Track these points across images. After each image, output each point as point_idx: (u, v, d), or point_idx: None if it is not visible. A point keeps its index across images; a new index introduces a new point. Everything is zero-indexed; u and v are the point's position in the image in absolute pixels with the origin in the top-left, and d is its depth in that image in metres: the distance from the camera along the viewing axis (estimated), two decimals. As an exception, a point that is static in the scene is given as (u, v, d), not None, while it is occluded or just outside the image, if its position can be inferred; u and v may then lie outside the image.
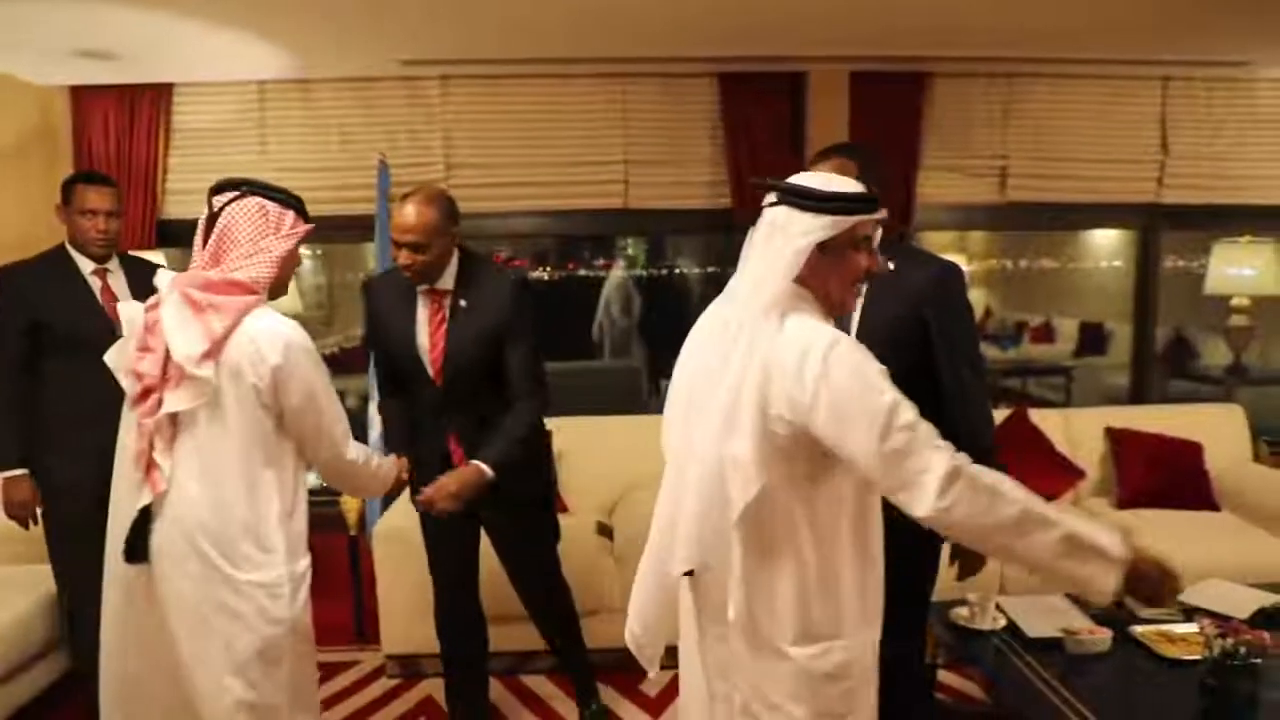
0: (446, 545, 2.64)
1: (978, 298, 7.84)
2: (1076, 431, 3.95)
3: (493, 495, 2.44)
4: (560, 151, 4.35)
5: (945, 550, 2.26)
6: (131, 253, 3.12)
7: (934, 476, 1.40)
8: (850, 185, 1.58)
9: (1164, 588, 1.52)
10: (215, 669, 1.87)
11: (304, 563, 1.98)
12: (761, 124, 4.25)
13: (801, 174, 1.62)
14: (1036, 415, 3.99)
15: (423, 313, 2.47)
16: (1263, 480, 3.71)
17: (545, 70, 4.23)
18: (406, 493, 2.64)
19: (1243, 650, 2.09)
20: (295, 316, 2.01)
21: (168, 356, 1.83)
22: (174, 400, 1.83)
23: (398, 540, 3.10)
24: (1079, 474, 3.82)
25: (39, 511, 2.74)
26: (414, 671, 3.27)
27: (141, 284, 2.86)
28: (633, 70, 4.26)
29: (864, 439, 1.42)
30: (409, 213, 2.32)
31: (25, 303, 2.69)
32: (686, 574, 1.62)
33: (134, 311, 1.95)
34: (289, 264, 1.99)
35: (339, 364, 6.00)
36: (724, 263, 7.63)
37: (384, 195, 3.99)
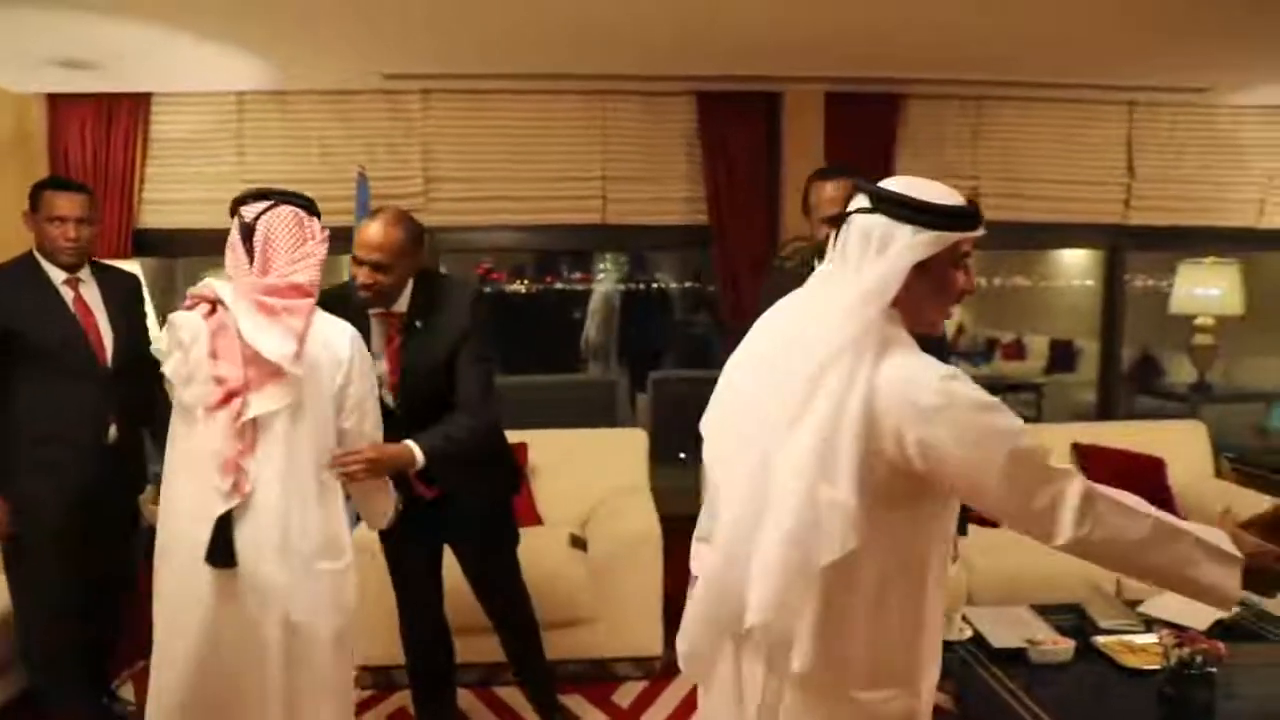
0: (409, 560, 2.62)
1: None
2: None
3: (453, 506, 2.47)
4: (539, 167, 4.38)
5: None
6: (106, 261, 3.05)
7: (1070, 505, 1.31)
8: (951, 196, 1.42)
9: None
10: (307, 655, 1.98)
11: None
12: (738, 142, 4.31)
13: (897, 179, 1.46)
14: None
15: (377, 337, 2.41)
16: (1224, 495, 3.79)
17: (525, 86, 4.27)
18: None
19: (1199, 660, 2.15)
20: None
21: (245, 361, 1.93)
22: (260, 402, 1.93)
23: (367, 552, 3.09)
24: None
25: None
26: (387, 683, 3.26)
27: (116, 293, 2.85)
28: (612, 88, 4.31)
29: (993, 474, 1.32)
30: (375, 230, 2.29)
31: None
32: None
33: (189, 320, 1.99)
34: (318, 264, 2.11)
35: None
36: (703, 279, 7.73)
37: (363, 208, 3.99)
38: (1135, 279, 6.60)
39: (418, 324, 2.39)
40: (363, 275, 2.29)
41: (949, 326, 2.49)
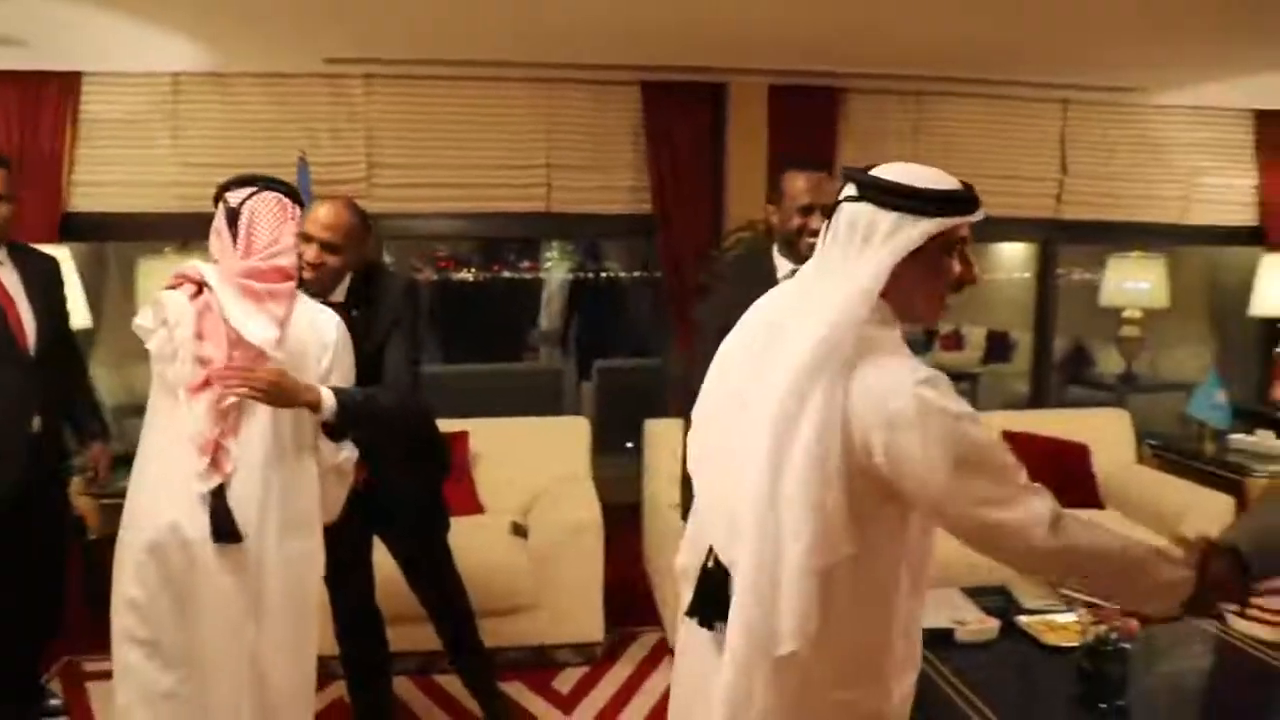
0: (339, 549, 2.58)
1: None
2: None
3: (383, 494, 2.45)
4: (483, 154, 4.35)
5: None
6: (30, 245, 2.92)
7: (1039, 520, 1.28)
8: (943, 180, 1.34)
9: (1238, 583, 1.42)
10: (276, 631, 2.02)
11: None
12: (683, 132, 4.33)
13: (889, 165, 1.37)
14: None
15: None
16: (1144, 480, 3.96)
17: (470, 73, 4.24)
18: None
19: (1114, 636, 2.25)
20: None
21: (230, 344, 1.96)
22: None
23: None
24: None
25: None
26: (324, 672, 3.22)
27: (36, 277, 2.75)
28: (557, 76, 4.30)
29: (954, 486, 1.26)
30: (330, 210, 2.29)
31: None
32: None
33: (175, 299, 2.01)
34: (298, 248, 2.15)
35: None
36: (651, 268, 7.76)
37: (305, 194, 3.94)
38: (1073, 272, 6.81)
39: (354, 313, 2.36)
40: (311, 253, 2.25)
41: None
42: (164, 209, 4.18)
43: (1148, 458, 4.39)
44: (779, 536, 1.29)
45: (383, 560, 2.68)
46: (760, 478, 1.30)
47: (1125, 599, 1.41)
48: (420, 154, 4.33)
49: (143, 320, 2.03)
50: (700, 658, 1.47)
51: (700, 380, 2.66)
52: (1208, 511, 3.63)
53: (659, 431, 3.84)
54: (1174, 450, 4.32)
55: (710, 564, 1.41)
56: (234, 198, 2.07)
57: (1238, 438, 4.12)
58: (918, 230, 1.29)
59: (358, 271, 2.40)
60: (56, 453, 2.85)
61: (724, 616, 1.36)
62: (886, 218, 1.30)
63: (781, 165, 2.47)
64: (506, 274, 9.07)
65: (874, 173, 1.35)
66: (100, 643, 2.07)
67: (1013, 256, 7.85)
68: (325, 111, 4.25)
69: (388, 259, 5.19)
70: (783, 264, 2.40)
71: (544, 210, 4.44)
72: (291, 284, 2.07)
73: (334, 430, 2.13)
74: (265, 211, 2.06)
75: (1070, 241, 5.16)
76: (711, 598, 1.41)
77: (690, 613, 1.45)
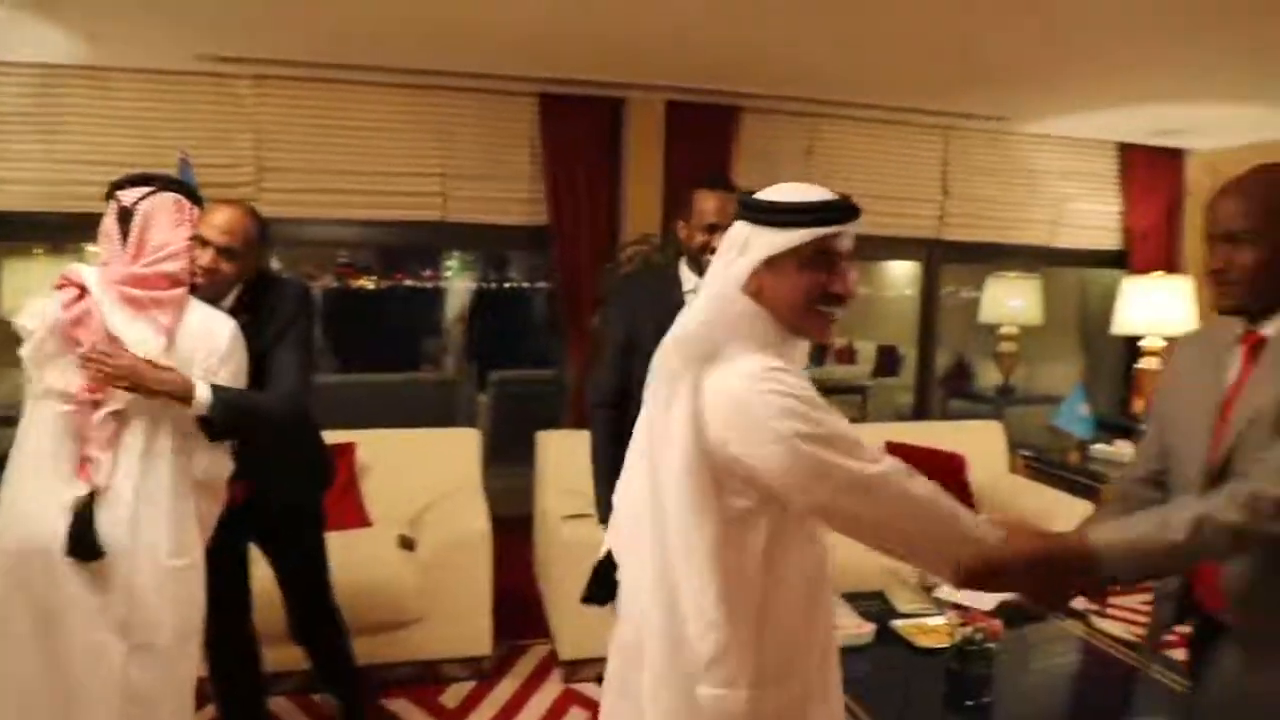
0: (213, 567, 2.51)
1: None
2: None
3: (261, 504, 2.39)
4: (378, 161, 4.28)
5: None
6: None
7: (897, 472, 1.32)
8: (816, 195, 1.39)
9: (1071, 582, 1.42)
10: (147, 651, 1.94)
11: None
12: (580, 145, 4.36)
13: (775, 186, 1.43)
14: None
15: None
16: (1015, 488, 4.17)
17: (365, 78, 4.17)
18: None
19: (980, 637, 2.36)
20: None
21: None
22: (123, 395, 1.88)
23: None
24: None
25: None
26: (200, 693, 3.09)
27: None
28: (454, 84, 4.27)
29: (790, 462, 1.29)
30: (228, 214, 2.19)
31: None
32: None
33: (46, 306, 1.92)
34: (192, 253, 2.08)
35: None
36: (552, 278, 7.76)
37: (186, 194, 3.80)
38: (961, 290, 7.13)
39: (243, 320, 2.27)
40: (206, 258, 2.14)
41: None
42: (33, 208, 3.96)
43: (1020, 467, 4.62)
44: (666, 533, 1.36)
45: (263, 575, 2.59)
46: (641, 481, 1.42)
47: (929, 551, 1.38)
48: (312, 158, 4.24)
49: (24, 321, 1.94)
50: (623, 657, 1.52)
51: (600, 390, 2.69)
52: (1071, 517, 3.83)
53: (552, 443, 3.84)
54: (1043, 460, 4.56)
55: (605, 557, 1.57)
56: (127, 197, 2.00)
57: (1099, 448, 4.38)
58: (776, 240, 1.36)
59: (249, 278, 2.32)
60: None
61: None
62: (753, 231, 1.38)
63: (693, 183, 2.54)
64: (409, 282, 8.94)
65: (758, 194, 1.42)
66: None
67: (900, 274, 8.16)
68: (210, 111, 4.11)
69: (275, 265, 5.04)
70: (689, 278, 2.47)
71: (440, 219, 4.39)
72: (180, 290, 2.01)
73: (211, 429, 2.04)
74: (161, 213, 2.00)
75: (951, 261, 5.41)
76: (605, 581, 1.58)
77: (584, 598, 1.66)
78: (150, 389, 1.91)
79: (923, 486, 1.34)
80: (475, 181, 4.41)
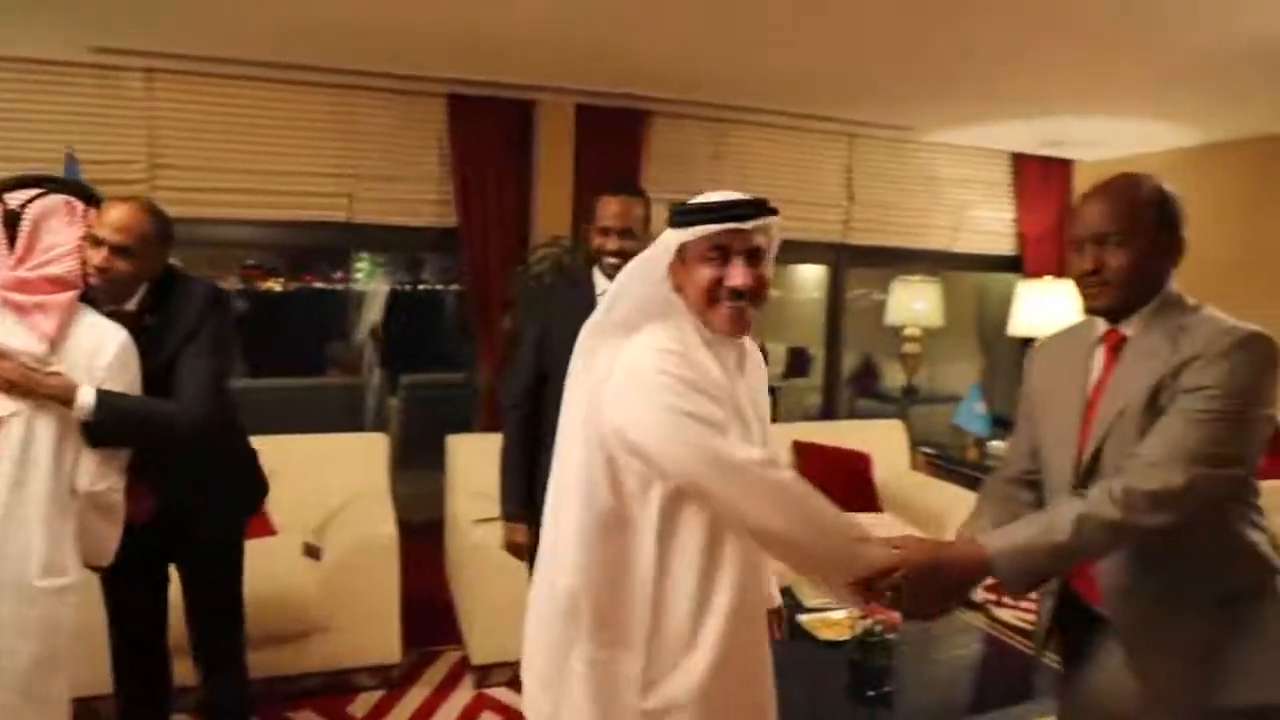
0: (125, 589, 2.36)
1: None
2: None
3: (181, 527, 2.27)
4: (281, 160, 4.17)
5: None
6: None
7: (759, 459, 1.37)
8: (719, 197, 1.49)
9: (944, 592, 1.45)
10: (8, 676, 1.84)
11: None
12: (490, 147, 4.33)
13: (708, 193, 1.55)
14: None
15: None
16: (916, 484, 4.32)
17: (265, 74, 4.05)
18: None
19: (879, 629, 2.45)
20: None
21: None
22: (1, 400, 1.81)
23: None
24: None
25: None
26: (89, 715, 2.96)
27: None
28: (360, 83, 4.19)
29: (673, 435, 1.37)
30: (123, 211, 2.07)
31: None
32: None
33: None
34: (83, 253, 2.00)
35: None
36: (464, 280, 7.67)
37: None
38: (873, 293, 7.32)
39: (148, 322, 2.17)
40: (99, 258, 2.03)
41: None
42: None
43: (921, 464, 4.79)
44: (565, 492, 1.51)
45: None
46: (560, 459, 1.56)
47: (818, 557, 1.42)
48: (210, 156, 4.09)
49: None
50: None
51: (512, 393, 2.69)
52: (968, 512, 4.01)
53: (463, 447, 3.80)
54: (943, 457, 4.73)
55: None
56: (14, 199, 1.91)
57: (996, 444, 4.57)
58: (681, 236, 1.48)
59: (154, 278, 2.20)
60: None
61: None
62: (670, 232, 1.51)
63: (596, 188, 2.57)
64: (318, 285, 8.72)
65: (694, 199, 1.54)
66: None
67: (810, 277, 8.34)
68: (98, 105, 3.93)
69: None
70: (601, 282, 2.48)
71: (345, 220, 4.30)
72: (68, 295, 1.92)
73: (95, 435, 1.95)
74: (51, 216, 1.93)
75: (857, 264, 5.56)
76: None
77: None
78: (33, 392, 1.84)
79: (804, 488, 1.39)
80: (383, 182, 4.33)
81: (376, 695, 3.22)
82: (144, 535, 2.18)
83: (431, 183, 4.39)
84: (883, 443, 4.47)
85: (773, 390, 6.67)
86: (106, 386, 1.93)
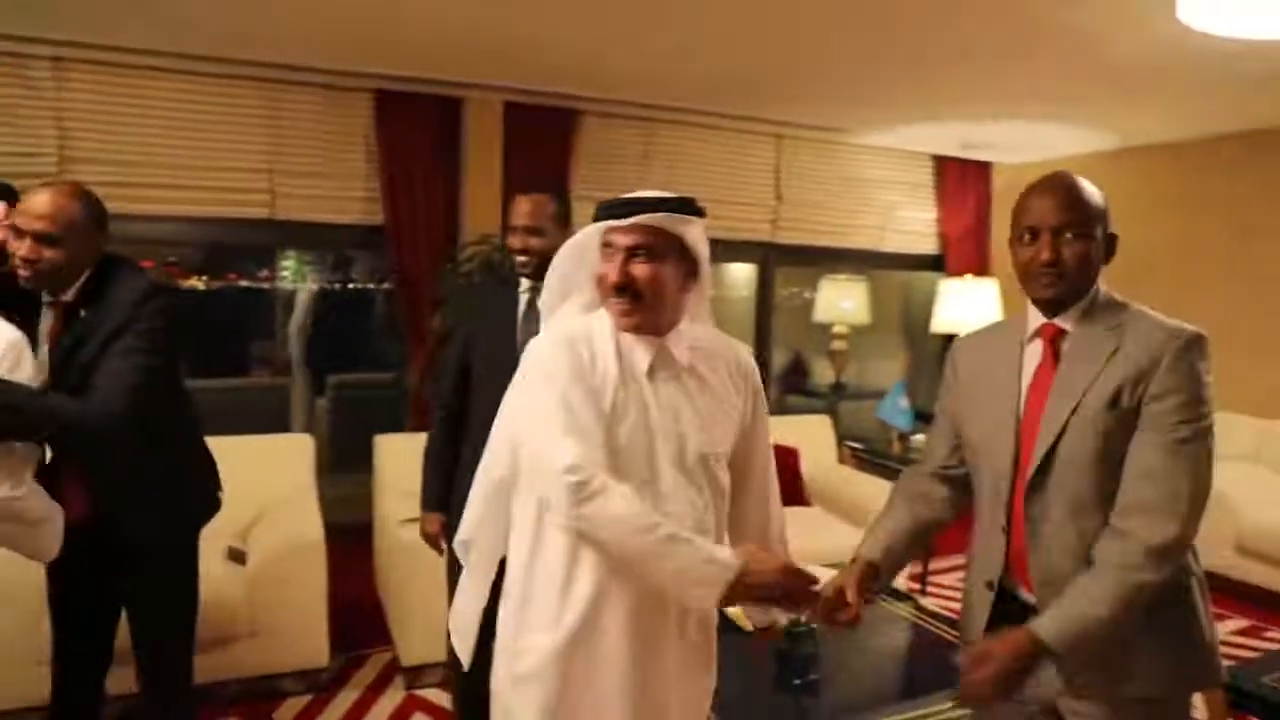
0: (66, 590, 2.25)
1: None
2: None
3: (114, 535, 2.14)
4: (200, 154, 4.06)
5: None
6: None
7: (563, 468, 1.38)
8: (639, 195, 1.51)
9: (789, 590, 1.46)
10: None
11: None
12: (417, 144, 4.29)
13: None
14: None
15: (45, 327, 2.09)
16: (843, 477, 4.42)
17: (183, 66, 3.95)
18: None
19: (804, 618, 2.49)
20: None
21: None
22: None
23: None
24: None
25: None
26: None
27: None
28: (283, 77, 4.11)
29: (515, 400, 1.54)
30: (45, 198, 1.97)
31: None
32: None
33: None
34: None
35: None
36: (392, 279, 7.56)
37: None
38: (805, 291, 7.44)
39: (81, 313, 2.08)
40: (23, 249, 1.95)
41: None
42: None
43: (847, 458, 4.90)
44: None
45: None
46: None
47: (668, 580, 1.42)
48: (127, 150, 3.96)
49: None
50: None
51: (440, 392, 2.67)
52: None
53: (391, 447, 3.75)
54: (868, 451, 4.85)
55: None
56: None
57: (919, 438, 4.69)
58: (586, 231, 1.55)
59: (94, 267, 2.09)
60: None
61: None
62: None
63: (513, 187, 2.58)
64: (244, 283, 8.49)
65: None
66: None
67: (741, 276, 8.44)
68: (2, 95, 3.76)
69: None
70: (525, 281, 2.47)
71: (269, 217, 4.21)
72: None
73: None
74: None
75: (785, 263, 5.65)
76: None
77: None
78: None
79: (627, 509, 1.38)
80: (307, 179, 4.25)
81: (304, 700, 3.17)
82: (79, 538, 2.08)
83: (358, 180, 4.33)
84: (811, 438, 4.55)
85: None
86: None
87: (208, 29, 3.49)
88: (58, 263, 1.98)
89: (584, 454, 1.40)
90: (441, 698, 3.15)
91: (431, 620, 3.03)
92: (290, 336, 7.47)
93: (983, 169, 5.93)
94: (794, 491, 4.20)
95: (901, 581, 4.01)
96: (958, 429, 1.78)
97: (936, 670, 2.75)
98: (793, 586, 1.45)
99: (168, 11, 3.27)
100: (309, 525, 3.25)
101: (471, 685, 2.04)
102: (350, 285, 8.42)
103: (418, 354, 4.34)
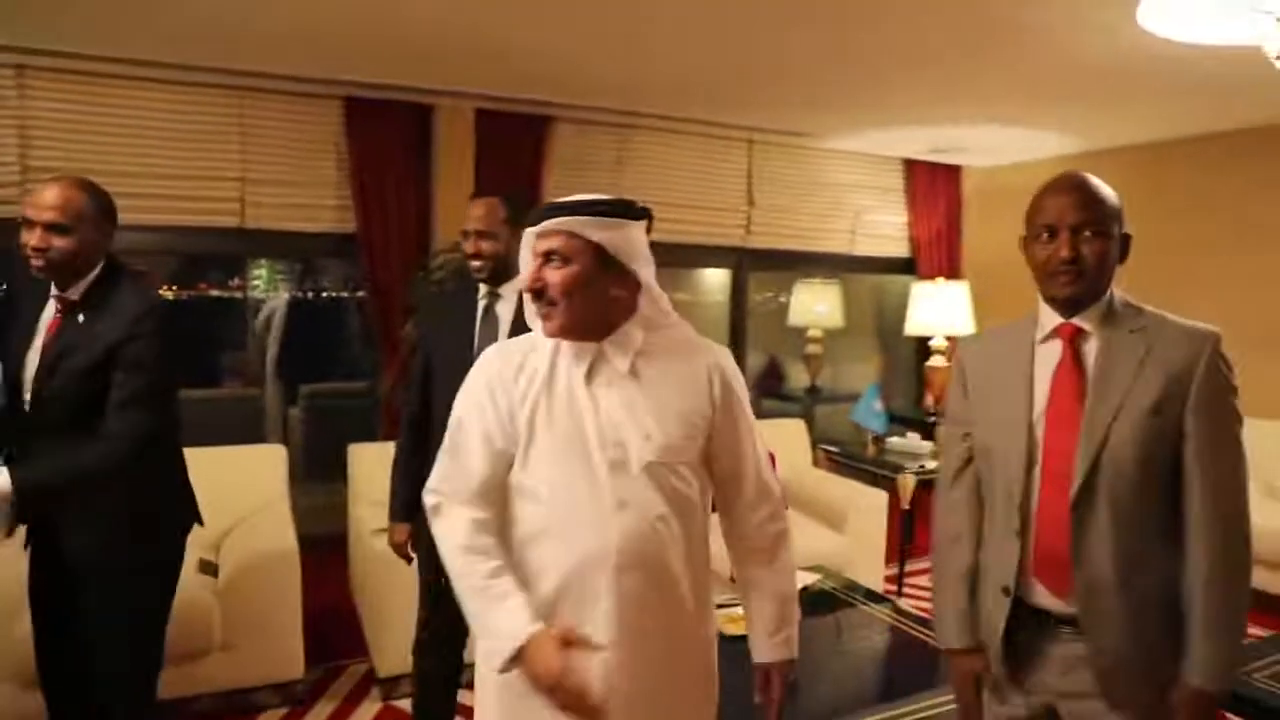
0: (34, 579, 2.27)
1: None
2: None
3: (52, 538, 2.16)
4: (168, 163, 4.01)
5: None
6: None
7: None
8: (554, 200, 1.51)
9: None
10: None
11: None
12: (389, 152, 4.27)
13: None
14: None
15: (45, 320, 2.13)
16: (817, 480, 4.44)
17: (149, 74, 3.90)
18: None
19: (742, 618, 2.49)
20: None
21: None
22: None
23: None
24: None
25: None
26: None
27: None
28: (253, 85, 4.07)
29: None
30: (53, 190, 2.05)
31: None
32: None
33: None
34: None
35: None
36: (364, 287, 7.50)
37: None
38: (781, 295, 7.47)
39: (80, 317, 2.10)
40: (35, 239, 2.02)
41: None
42: None
43: (822, 460, 4.92)
44: None
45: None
46: None
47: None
48: (91, 159, 3.89)
49: None
50: None
51: (407, 401, 2.66)
52: (868, 506, 4.15)
53: (364, 456, 3.73)
54: (843, 453, 4.88)
55: None
56: None
57: (893, 440, 4.73)
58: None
59: (99, 271, 2.13)
60: None
61: None
62: None
63: (497, 194, 2.57)
64: (215, 293, 8.39)
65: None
66: None
67: (715, 281, 8.46)
68: (-39, 105, 3.71)
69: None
70: (483, 288, 2.46)
71: (238, 226, 4.17)
72: None
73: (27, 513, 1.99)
74: None
75: (759, 268, 5.68)
76: None
77: None
78: None
79: (455, 542, 1.48)
80: (278, 187, 4.21)
81: (280, 713, 3.14)
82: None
83: (329, 187, 4.30)
84: (786, 441, 4.57)
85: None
86: None
87: (175, 37, 3.46)
88: (68, 251, 2.05)
89: (444, 473, 1.53)
90: (418, 708, 3.12)
91: (407, 630, 3.00)
92: (261, 346, 7.39)
93: (953, 172, 5.99)
94: (769, 495, 4.21)
95: (878, 583, 4.04)
96: (975, 435, 1.74)
97: (914, 671, 2.77)
98: (564, 692, 1.33)
99: (134, 19, 3.24)
100: (282, 536, 3.22)
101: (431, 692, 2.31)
102: (322, 294, 8.35)
103: (390, 362, 4.31)
